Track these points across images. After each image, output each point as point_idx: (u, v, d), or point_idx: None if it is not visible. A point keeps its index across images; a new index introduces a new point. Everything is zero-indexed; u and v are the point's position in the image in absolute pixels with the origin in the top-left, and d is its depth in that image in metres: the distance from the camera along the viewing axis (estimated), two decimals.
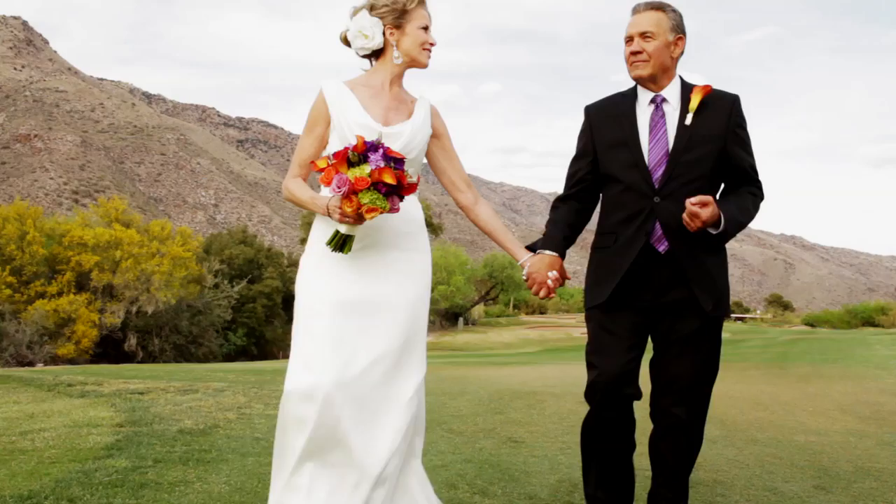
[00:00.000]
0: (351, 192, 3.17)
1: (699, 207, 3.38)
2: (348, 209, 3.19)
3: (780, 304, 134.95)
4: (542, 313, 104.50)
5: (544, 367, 18.24)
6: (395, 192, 3.21)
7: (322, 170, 3.29)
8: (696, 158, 3.56)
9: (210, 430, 6.29)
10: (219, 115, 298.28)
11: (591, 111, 3.89)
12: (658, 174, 3.57)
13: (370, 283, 3.49)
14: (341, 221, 3.27)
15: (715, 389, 3.81)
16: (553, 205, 3.99)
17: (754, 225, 3.41)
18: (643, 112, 3.70)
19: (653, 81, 3.68)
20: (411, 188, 3.28)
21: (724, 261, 3.75)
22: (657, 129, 3.64)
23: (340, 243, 3.37)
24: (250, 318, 53.82)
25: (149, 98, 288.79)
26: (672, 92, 3.69)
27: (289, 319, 57.01)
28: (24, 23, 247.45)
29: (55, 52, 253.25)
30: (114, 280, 42.12)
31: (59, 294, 40.50)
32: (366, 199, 3.15)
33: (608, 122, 3.77)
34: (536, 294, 3.73)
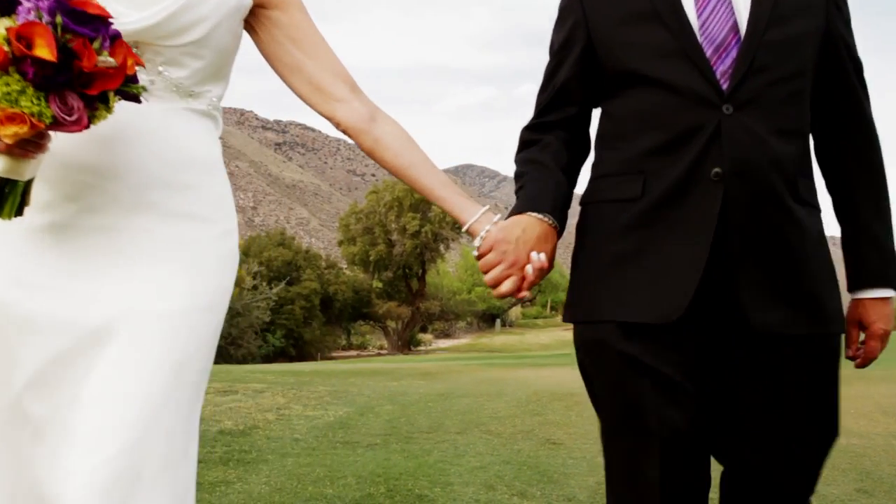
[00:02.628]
0: None
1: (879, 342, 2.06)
2: None
3: None
4: None
5: None
6: (70, 80, 1.49)
7: None
8: (794, 37, 1.92)
9: (250, 431, 6.35)
10: (257, 118, 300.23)
11: None
12: (726, 63, 1.89)
13: (82, 290, 1.71)
14: None
15: None
16: (523, 138, 2.21)
17: None
18: None
19: None
20: (112, 78, 1.53)
21: (821, 227, 2.02)
22: None
23: None
24: (289, 319, 54.00)
25: None
26: None
27: (327, 321, 57.63)
28: None
29: None
30: None
31: None
32: None
33: None
34: (494, 285, 1.98)
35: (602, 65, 2.05)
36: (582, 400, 9.24)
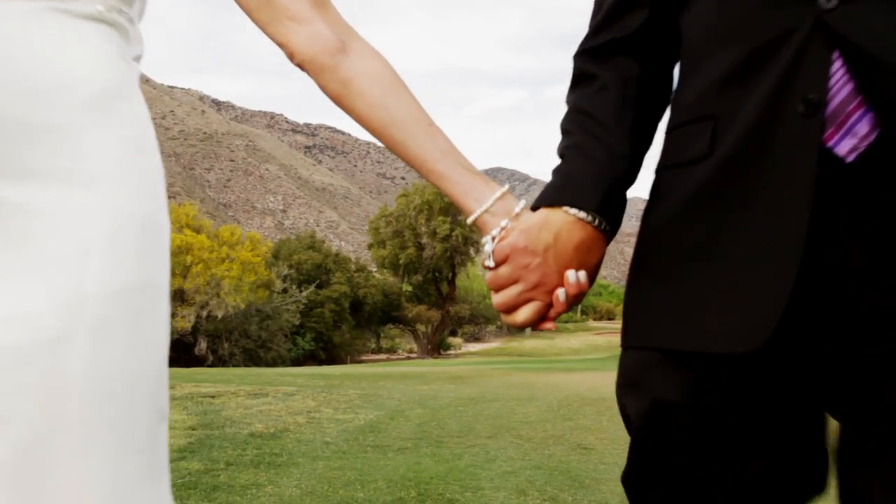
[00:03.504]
0: None
1: None
2: None
3: None
4: (610, 319, 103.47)
5: (613, 374, 18.00)
6: None
7: None
8: None
9: (280, 434, 6.36)
10: (287, 122, 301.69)
11: None
12: None
13: None
14: None
15: None
16: (577, 67, 1.38)
17: None
18: None
19: None
20: None
21: None
22: None
23: None
24: (318, 322, 54.21)
25: (218, 105, 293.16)
26: None
27: (357, 324, 57.68)
28: None
29: None
30: (184, 285, 42.76)
31: None
32: None
33: None
34: (506, 311, 1.27)
35: None
36: (613, 405, 9.15)
